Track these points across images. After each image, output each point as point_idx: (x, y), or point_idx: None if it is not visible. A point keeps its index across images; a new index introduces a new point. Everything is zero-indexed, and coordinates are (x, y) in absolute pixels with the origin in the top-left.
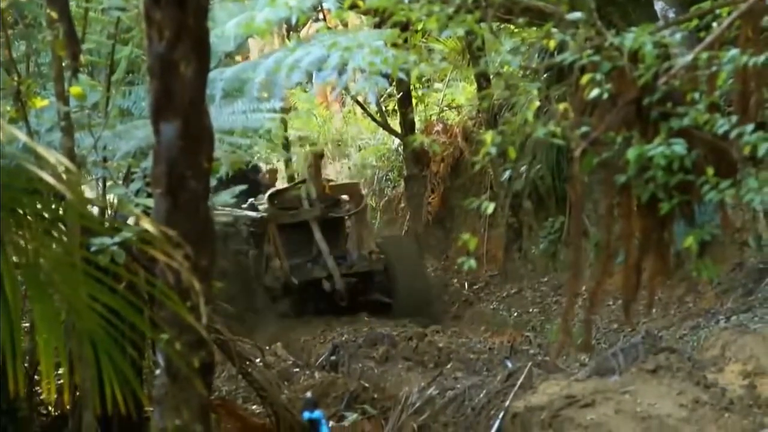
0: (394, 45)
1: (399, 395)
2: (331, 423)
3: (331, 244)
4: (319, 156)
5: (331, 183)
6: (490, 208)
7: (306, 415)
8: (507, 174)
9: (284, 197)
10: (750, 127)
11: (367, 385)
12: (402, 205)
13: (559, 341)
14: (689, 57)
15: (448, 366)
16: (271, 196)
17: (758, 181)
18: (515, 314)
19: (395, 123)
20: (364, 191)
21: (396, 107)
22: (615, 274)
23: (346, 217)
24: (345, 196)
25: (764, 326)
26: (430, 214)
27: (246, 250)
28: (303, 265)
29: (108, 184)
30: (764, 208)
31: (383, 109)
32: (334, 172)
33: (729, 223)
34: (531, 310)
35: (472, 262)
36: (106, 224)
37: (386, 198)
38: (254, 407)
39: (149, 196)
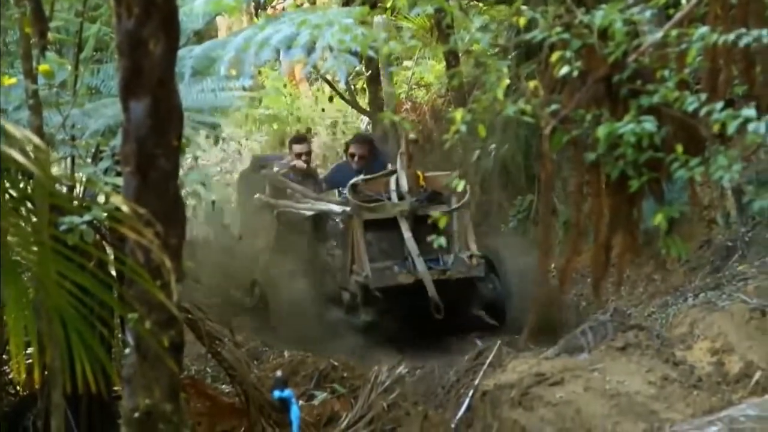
0: (363, 23)
1: (368, 374)
2: (300, 402)
3: (425, 244)
4: (413, 141)
5: (427, 174)
6: (460, 186)
7: (276, 394)
8: (477, 152)
9: (370, 188)
10: (719, 104)
11: (336, 363)
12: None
13: (530, 321)
14: (659, 34)
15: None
16: (353, 187)
17: (727, 159)
18: None
19: (364, 102)
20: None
21: (365, 85)
22: (584, 252)
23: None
24: (444, 190)
25: (732, 304)
26: None
27: (333, 251)
28: (387, 268)
29: (76, 162)
30: (732, 186)
31: (352, 87)
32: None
33: (697, 201)
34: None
35: (442, 240)
36: (75, 202)
37: None
38: (223, 387)
39: (118, 174)
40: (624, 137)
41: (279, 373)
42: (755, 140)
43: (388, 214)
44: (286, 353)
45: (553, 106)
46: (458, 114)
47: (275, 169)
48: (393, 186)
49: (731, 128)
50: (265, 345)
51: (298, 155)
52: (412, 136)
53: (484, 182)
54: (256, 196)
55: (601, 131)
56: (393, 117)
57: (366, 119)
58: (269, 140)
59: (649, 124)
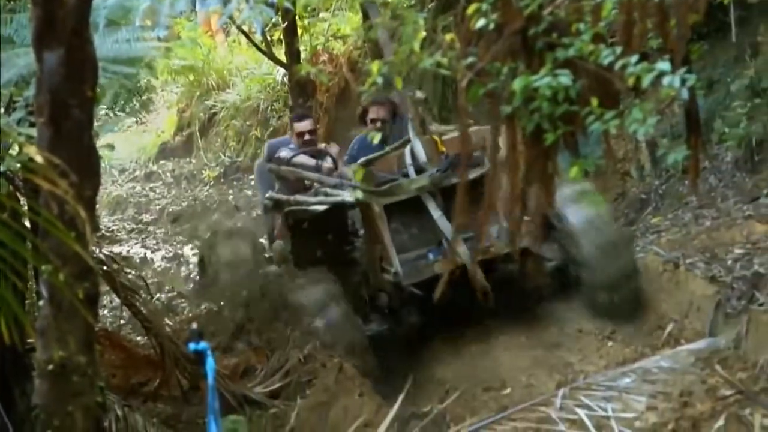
0: None
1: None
2: (216, 354)
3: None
4: (421, 101)
5: (445, 136)
6: (377, 138)
7: (191, 346)
8: None
9: (382, 167)
10: (634, 58)
11: (252, 316)
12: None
13: (446, 273)
14: None
15: None
16: (363, 167)
17: (642, 112)
18: None
19: (281, 53)
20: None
21: (281, 37)
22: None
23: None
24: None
25: (646, 255)
26: None
27: (355, 245)
28: (421, 257)
29: None
30: (647, 139)
31: (268, 38)
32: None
33: (612, 154)
34: None
35: (359, 193)
36: None
37: (271, 128)
38: (138, 338)
39: (32, 125)
40: (540, 90)
41: (195, 325)
42: (669, 93)
43: (408, 194)
44: (202, 305)
45: (470, 59)
46: (375, 66)
47: (282, 154)
48: (408, 159)
49: (646, 81)
50: (180, 297)
51: (300, 135)
52: (419, 94)
53: None
54: (267, 194)
55: (517, 84)
56: (310, 68)
57: (282, 71)
58: (185, 91)
59: (565, 77)
